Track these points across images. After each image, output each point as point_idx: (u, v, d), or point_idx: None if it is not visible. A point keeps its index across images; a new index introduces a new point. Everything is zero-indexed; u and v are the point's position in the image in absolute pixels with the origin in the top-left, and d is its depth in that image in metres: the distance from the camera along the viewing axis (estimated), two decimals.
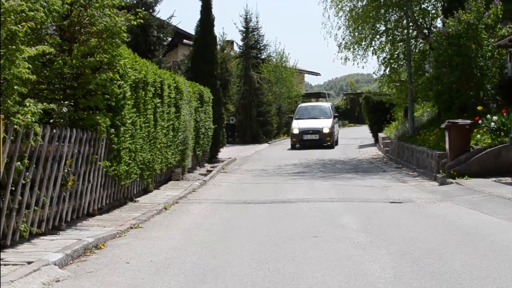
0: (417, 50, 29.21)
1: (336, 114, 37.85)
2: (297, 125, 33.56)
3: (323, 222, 9.66)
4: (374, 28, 29.82)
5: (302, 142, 33.14)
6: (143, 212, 10.80)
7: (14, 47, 7.43)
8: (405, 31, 27.37)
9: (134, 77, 11.78)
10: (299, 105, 38.89)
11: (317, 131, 32.93)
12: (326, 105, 38.98)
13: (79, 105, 10.01)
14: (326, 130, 32.98)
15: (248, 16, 42.81)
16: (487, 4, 21.59)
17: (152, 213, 10.80)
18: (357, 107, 62.35)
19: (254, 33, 44.30)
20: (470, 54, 20.62)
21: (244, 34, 42.68)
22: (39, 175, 8.23)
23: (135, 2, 26.64)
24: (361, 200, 9.38)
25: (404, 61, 28.14)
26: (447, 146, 16.47)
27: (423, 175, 18.37)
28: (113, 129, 10.66)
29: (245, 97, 39.64)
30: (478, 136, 16.68)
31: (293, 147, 33.34)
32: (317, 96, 63.27)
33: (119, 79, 10.82)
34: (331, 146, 33.02)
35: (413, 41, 28.91)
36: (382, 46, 29.77)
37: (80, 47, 10.29)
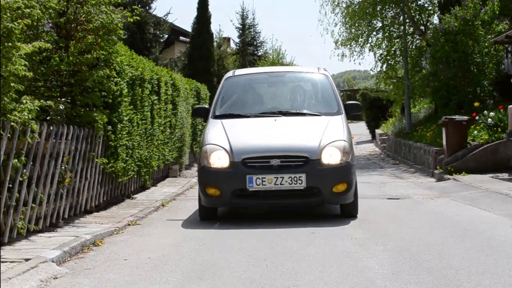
0: (413, 47, 29.22)
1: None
2: (224, 143, 9.36)
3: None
4: (370, 24, 29.83)
5: (242, 200, 9.31)
6: (140, 209, 10.80)
7: (10, 44, 7.41)
8: (402, 27, 27.38)
9: (131, 74, 11.76)
10: (232, 75, 11.46)
11: (301, 164, 9.07)
12: (320, 79, 11.17)
13: (76, 102, 10.00)
14: (333, 160, 9.21)
15: (244, 13, 42.85)
16: (483, 0, 21.61)
17: (149, 210, 10.80)
18: None
19: (250, 30, 44.34)
20: (467, 50, 20.64)
21: (240, 31, 42.72)
22: (36, 172, 8.22)
23: None
24: (359, 197, 9.41)
25: (401, 57, 28.15)
26: (444, 142, 16.49)
27: (420, 171, 18.40)
28: (110, 126, 10.65)
29: None
30: (475, 132, 16.70)
31: (204, 217, 9.74)
32: None
33: (116, 76, 10.81)
34: (350, 213, 9.59)
35: (409, 37, 28.91)
36: (379, 42, 29.78)
37: (76, 44, 10.27)
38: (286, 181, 8.94)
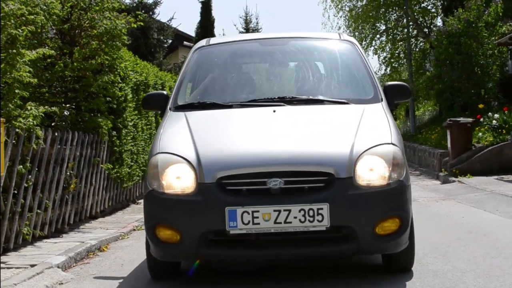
0: (417, 49, 29.24)
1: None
2: (187, 151, 5.48)
3: None
4: (374, 27, 29.87)
5: (219, 251, 5.35)
6: None
7: (14, 51, 7.44)
8: (405, 30, 27.39)
9: (135, 79, 11.79)
10: (206, 44, 7.23)
11: (321, 187, 5.22)
12: (344, 48, 7.06)
13: (81, 108, 10.02)
14: (376, 178, 5.35)
15: (248, 17, 42.79)
16: (487, 2, 21.63)
17: None
18: None
19: None
20: (470, 52, 20.65)
21: None
22: (42, 178, 8.24)
23: (135, 4, 26.70)
24: None
25: (405, 60, 28.19)
26: (449, 145, 16.48)
27: (425, 173, 18.39)
28: (114, 132, 10.67)
29: None
30: (480, 134, 16.69)
31: (157, 275, 6.15)
32: None
33: (120, 81, 10.84)
34: (401, 266, 6.00)
35: (413, 40, 28.92)
36: (383, 45, 29.83)
37: (81, 50, 10.30)
38: (296, 217, 5.09)
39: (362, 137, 5.51)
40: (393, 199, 5.37)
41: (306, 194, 5.18)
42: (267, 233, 5.17)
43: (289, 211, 5.10)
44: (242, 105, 6.23)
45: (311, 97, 6.34)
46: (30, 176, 7.86)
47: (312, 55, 7.19)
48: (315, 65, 7.07)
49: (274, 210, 5.11)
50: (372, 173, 5.32)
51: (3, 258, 6.86)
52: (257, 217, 5.10)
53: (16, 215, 7.46)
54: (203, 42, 7.27)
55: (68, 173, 9.05)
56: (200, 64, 7.02)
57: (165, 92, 6.61)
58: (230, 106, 6.22)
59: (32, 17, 8.12)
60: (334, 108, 6.16)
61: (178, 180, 5.36)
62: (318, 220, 5.10)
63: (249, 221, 5.11)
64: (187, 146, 5.51)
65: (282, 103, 6.13)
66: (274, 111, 5.98)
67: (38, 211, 8.12)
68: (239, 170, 5.25)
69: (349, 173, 5.23)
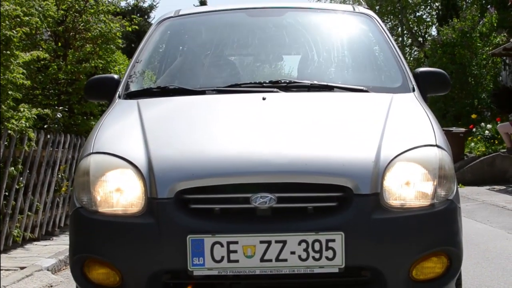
0: (411, 58, 29.30)
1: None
2: (134, 150, 3.54)
3: None
4: None
5: None
6: None
7: (8, 52, 7.43)
8: (400, 39, 27.45)
9: None
10: (174, 15, 5.27)
11: (332, 208, 3.32)
12: (361, 23, 5.13)
13: (74, 111, 10.01)
14: (414, 196, 3.43)
15: None
16: (482, 13, 21.73)
17: None
18: None
19: None
20: (464, 62, 20.73)
21: None
22: (33, 180, 8.20)
23: (130, 8, 26.72)
24: None
25: None
26: None
27: None
28: None
29: None
30: (472, 144, 16.74)
31: None
32: None
33: None
34: None
35: (407, 49, 29.00)
36: None
37: (75, 53, 10.30)
38: (294, 252, 3.25)
39: (392, 137, 3.60)
40: (439, 227, 3.54)
41: (310, 217, 3.31)
42: (250, 275, 3.30)
43: (284, 242, 3.25)
44: (219, 91, 4.28)
45: (315, 81, 4.34)
46: (21, 178, 7.83)
47: (317, 29, 5.22)
48: (323, 42, 5.07)
49: (261, 242, 3.24)
50: (409, 188, 3.46)
51: None
52: (235, 251, 3.25)
53: (6, 217, 7.43)
54: (170, 13, 5.35)
55: (59, 176, 9.02)
56: (164, 40, 5.26)
57: (116, 76, 4.72)
58: (203, 93, 4.28)
59: (27, 18, 8.12)
60: (349, 97, 4.23)
61: (119, 193, 3.45)
62: (327, 258, 3.25)
63: (222, 257, 3.25)
64: (134, 145, 3.60)
65: (275, 89, 4.19)
66: (264, 98, 4.02)
67: (29, 213, 8.08)
68: (209, 180, 3.35)
69: (374, 187, 3.35)
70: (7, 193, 7.51)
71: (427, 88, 4.60)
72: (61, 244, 8.10)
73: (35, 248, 7.85)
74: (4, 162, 7.36)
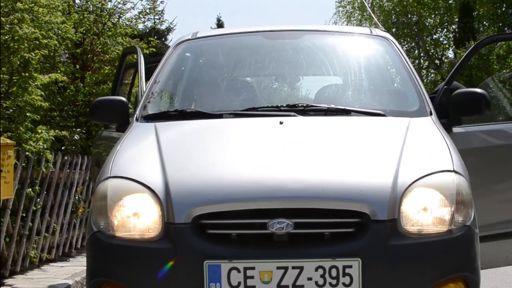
0: (428, 80, 29.26)
1: None
2: (152, 176, 3.55)
3: None
4: None
5: None
6: None
7: (27, 74, 7.50)
8: (417, 61, 27.44)
9: None
10: (191, 38, 5.31)
11: (350, 233, 3.34)
12: (378, 46, 5.21)
13: (91, 133, 10.06)
14: (432, 222, 3.46)
15: None
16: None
17: None
18: None
19: None
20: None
21: None
22: (50, 202, 8.24)
23: (147, 30, 26.85)
24: None
25: None
26: None
27: None
28: None
29: None
30: None
31: None
32: None
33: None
34: None
35: (424, 71, 28.97)
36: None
37: (92, 75, 10.37)
38: (310, 279, 3.28)
39: (409, 162, 3.62)
40: (457, 253, 3.54)
41: (327, 243, 3.34)
42: None
43: (301, 268, 3.28)
44: (237, 115, 4.33)
45: (332, 105, 4.36)
46: (38, 199, 7.87)
47: (334, 52, 5.25)
48: (340, 65, 5.10)
49: (278, 267, 3.28)
50: (426, 214, 3.49)
51: (10, 281, 6.86)
52: (252, 277, 3.28)
53: (23, 238, 7.46)
54: (188, 35, 5.39)
55: (76, 197, 9.05)
56: (181, 62, 5.30)
57: (123, 99, 4.66)
58: (220, 116, 4.31)
59: (46, 41, 8.19)
60: (366, 121, 4.26)
61: (136, 217, 3.49)
62: (344, 284, 3.27)
63: (239, 283, 3.27)
64: (151, 169, 3.64)
65: (292, 113, 4.24)
66: (281, 122, 4.06)
67: (46, 234, 8.11)
68: (226, 206, 3.38)
69: (392, 213, 3.37)
70: (24, 214, 7.54)
71: (459, 109, 4.66)
72: (77, 265, 8.11)
73: (52, 269, 7.86)
74: (22, 183, 7.40)
